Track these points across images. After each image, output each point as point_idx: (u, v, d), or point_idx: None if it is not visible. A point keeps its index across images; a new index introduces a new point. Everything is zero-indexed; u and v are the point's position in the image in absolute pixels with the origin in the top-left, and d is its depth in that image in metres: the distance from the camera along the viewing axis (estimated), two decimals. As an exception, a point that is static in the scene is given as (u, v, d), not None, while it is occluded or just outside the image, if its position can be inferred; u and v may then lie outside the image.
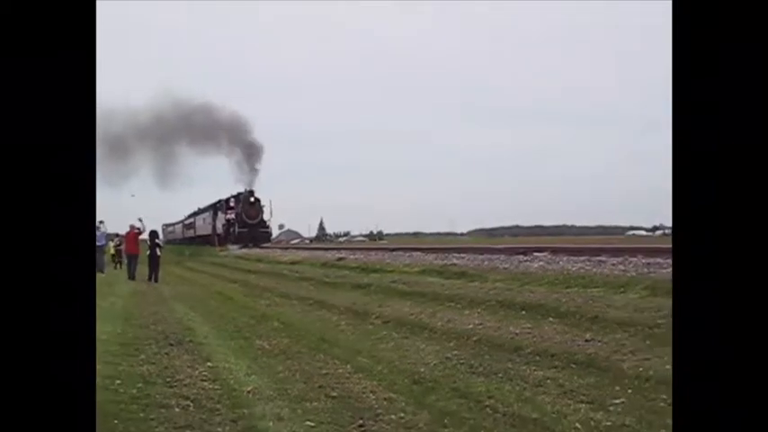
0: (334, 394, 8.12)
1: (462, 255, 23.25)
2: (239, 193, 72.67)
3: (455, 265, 19.59)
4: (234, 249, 60.78)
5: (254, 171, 76.69)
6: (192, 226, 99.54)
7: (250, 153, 77.49)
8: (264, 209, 71.37)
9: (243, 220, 69.31)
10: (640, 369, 7.89)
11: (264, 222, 71.13)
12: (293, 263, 31.34)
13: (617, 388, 7.49)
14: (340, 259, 28.19)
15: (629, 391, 7.36)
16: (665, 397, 7.00)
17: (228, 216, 71.60)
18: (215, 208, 79.73)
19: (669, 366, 7.80)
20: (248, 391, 8.30)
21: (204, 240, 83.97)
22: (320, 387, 8.49)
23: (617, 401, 7.10)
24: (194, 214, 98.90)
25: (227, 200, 73.33)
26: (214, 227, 79.16)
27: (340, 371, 9.41)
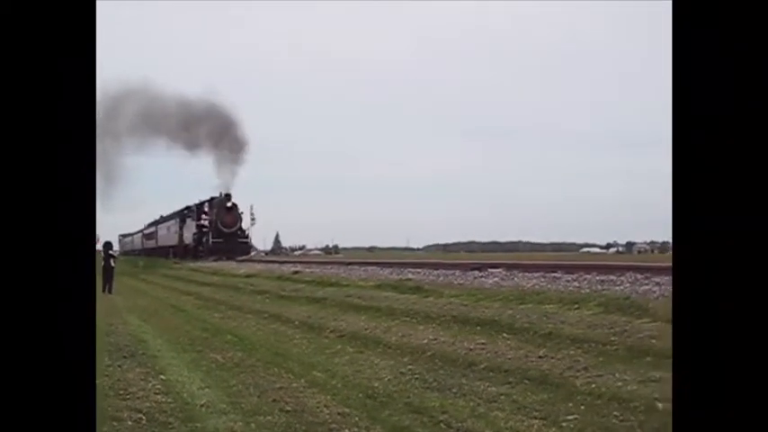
0: (288, 408, 8.09)
1: (418, 270, 23.31)
2: (212, 198, 62.96)
3: (410, 279, 19.62)
4: (209, 261, 52.36)
5: (232, 172, 65.33)
6: (153, 236, 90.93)
7: (230, 150, 65.68)
8: (243, 216, 61.61)
9: (218, 228, 59.74)
10: (593, 385, 7.94)
11: (243, 231, 61.53)
12: (248, 276, 31.20)
13: (570, 404, 7.53)
14: (296, 273, 28.13)
15: (582, 407, 7.40)
16: (617, 414, 7.05)
17: (201, 222, 62.05)
18: (182, 215, 70.31)
19: (621, 383, 7.87)
20: (201, 405, 8.25)
21: (168, 252, 75.51)
22: (274, 401, 8.45)
23: (570, 417, 7.12)
24: (156, 223, 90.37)
25: (201, 204, 63.55)
26: (181, 236, 70.22)
27: (294, 385, 9.37)
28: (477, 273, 19.87)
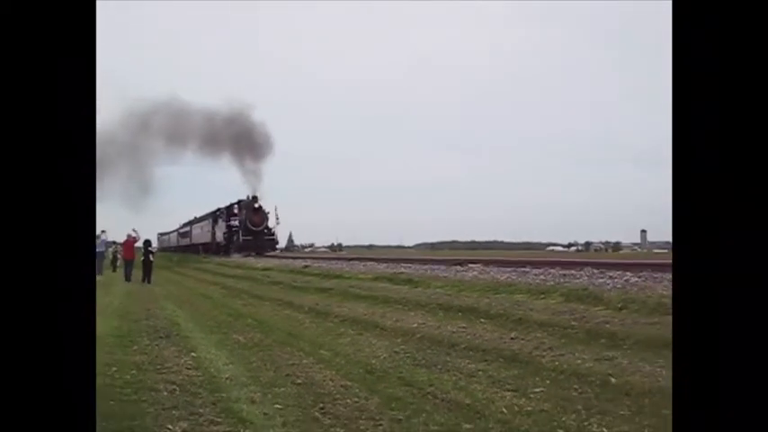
0: (299, 381, 8.07)
1: (409, 264, 23.26)
2: (240, 201, 60.08)
3: (403, 273, 19.58)
4: (237, 257, 49.36)
5: (257, 176, 63.09)
6: (187, 234, 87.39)
7: (256, 156, 63.67)
8: (269, 216, 58.53)
9: (247, 227, 57.17)
10: (557, 363, 7.94)
11: (270, 230, 58.57)
12: (266, 269, 31.11)
13: (537, 379, 7.52)
14: (306, 267, 28.04)
15: (548, 381, 7.40)
16: (576, 387, 7.05)
17: (231, 222, 59.21)
18: (214, 216, 67.13)
19: (580, 361, 7.87)
20: (226, 378, 8.25)
21: (202, 249, 72.96)
22: (287, 375, 8.44)
23: (537, 390, 7.12)
24: (190, 223, 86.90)
25: (231, 206, 60.52)
26: (213, 234, 67.17)
27: (304, 361, 9.35)
28: (459, 267, 19.82)
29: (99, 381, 6.25)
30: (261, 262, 38.55)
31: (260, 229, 57.45)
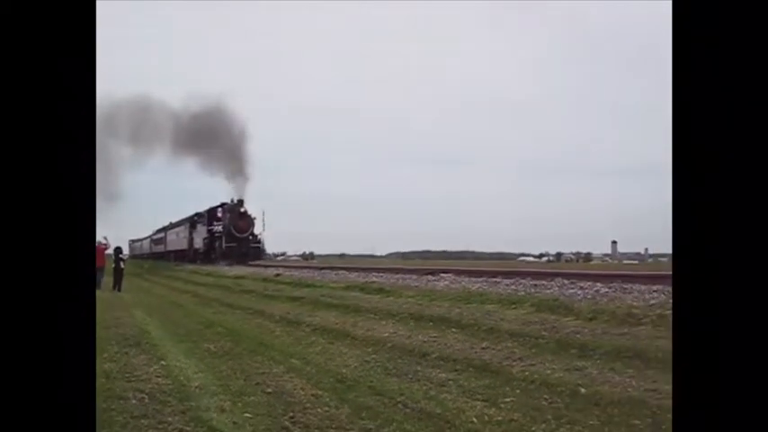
0: (270, 390, 8.03)
1: (380, 274, 23.30)
2: (223, 204, 56.05)
3: (374, 282, 19.59)
4: (222, 266, 45.83)
5: (243, 178, 57.88)
6: (161, 241, 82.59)
7: (241, 159, 58.58)
8: (255, 221, 54.65)
9: (231, 233, 53.31)
10: (527, 373, 7.95)
11: (255, 236, 54.72)
12: (237, 277, 30.99)
13: (507, 389, 7.52)
14: (277, 275, 28.01)
15: (518, 391, 7.40)
16: (546, 397, 7.06)
17: (214, 228, 55.24)
18: (192, 221, 62.91)
19: (550, 371, 7.88)
20: (196, 387, 8.18)
21: (174, 257, 69.36)
22: (257, 384, 8.39)
23: (507, 400, 7.12)
24: (165, 229, 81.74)
25: (213, 209, 56.37)
26: (191, 241, 62.89)
27: (275, 370, 9.30)
28: (430, 277, 19.87)
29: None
30: (233, 270, 38.41)
31: (245, 235, 53.97)
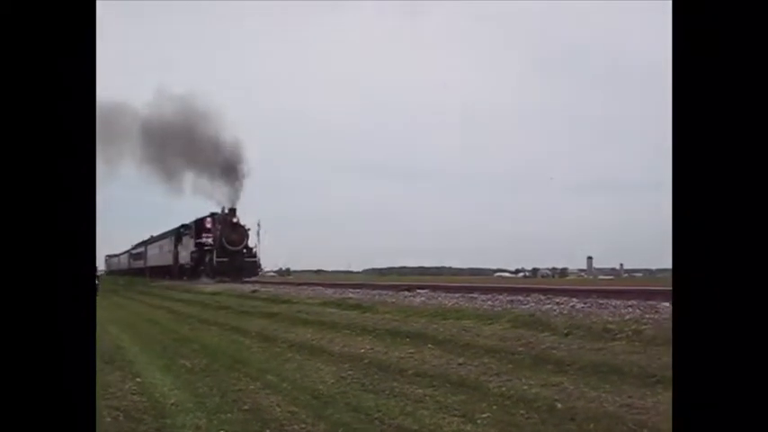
0: (246, 407, 7.98)
1: (357, 290, 23.26)
2: (213, 214, 51.03)
3: (351, 298, 19.56)
4: (209, 283, 41.84)
5: (236, 184, 51.79)
6: (141, 256, 77.50)
7: (230, 163, 52.31)
8: (249, 233, 50.00)
9: (223, 245, 48.44)
10: (503, 389, 7.95)
11: (250, 249, 49.75)
12: (214, 293, 30.87)
13: (484, 404, 7.52)
14: (254, 291, 27.92)
15: (494, 407, 7.40)
16: (523, 412, 7.06)
17: (203, 240, 49.93)
18: (178, 233, 57.81)
19: (526, 387, 7.88)
20: (171, 404, 8.12)
21: (157, 272, 62.86)
22: (234, 401, 8.34)
23: (484, 416, 7.11)
24: (145, 243, 76.86)
25: (202, 220, 51.01)
26: (176, 255, 58.06)
27: (251, 387, 9.25)
28: (407, 293, 19.85)
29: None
30: (210, 286, 38.22)
31: (238, 248, 48.90)
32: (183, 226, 57.04)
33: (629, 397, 6.86)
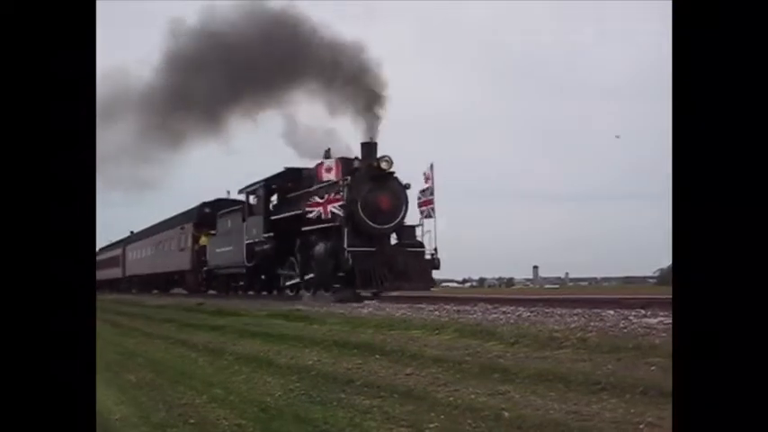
0: (192, 421, 7.90)
1: (305, 302, 23.15)
2: (343, 158, 22.45)
3: (299, 310, 19.42)
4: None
5: (373, 116, 22.18)
6: (116, 261, 54.08)
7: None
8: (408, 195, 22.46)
9: (362, 221, 21.60)
10: (451, 398, 7.96)
11: (413, 231, 22.74)
12: (159, 307, 30.49)
13: (432, 414, 7.52)
14: (200, 304, 27.61)
15: (442, 416, 7.40)
16: (470, 422, 7.08)
17: (332, 210, 21.25)
18: (208, 215, 34.66)
19: (474, 396, 7.90)
20: (116, 419, 8.02)
21: (145, 282, 45.90)
22: (180, 415, 8.25)
23: (432, 426, 7.12)
24: (126, 241, 53.85)
25: (320, 165, 22.36)
26: (198, 255, 35.44)
27: (197, 401, 9.16)
28: (354, 304, 19.80)
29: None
30: (154, 300, 37.74)
31: (391, 225, 22.43)
32: (256, 183, 27.67)
33: (575, 404, 6.91)
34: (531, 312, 13.16)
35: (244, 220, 28.35)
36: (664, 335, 8.41)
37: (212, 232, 33.38)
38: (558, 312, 12.61)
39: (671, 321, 9.49)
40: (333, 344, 12.79)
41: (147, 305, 34.02)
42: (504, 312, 13.67)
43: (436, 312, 15.09)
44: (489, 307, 15.15)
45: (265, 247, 26.22)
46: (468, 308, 15.38)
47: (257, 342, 14.94)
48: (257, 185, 27.30)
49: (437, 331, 12.11)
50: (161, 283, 44.51)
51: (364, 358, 11.09)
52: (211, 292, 35.65)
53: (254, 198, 27.77)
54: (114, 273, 54.90)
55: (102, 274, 53.69)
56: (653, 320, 9.91)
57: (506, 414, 7.07)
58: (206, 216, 35.47)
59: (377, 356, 11.05)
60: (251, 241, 27.48)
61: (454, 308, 15.77)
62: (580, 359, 8.34)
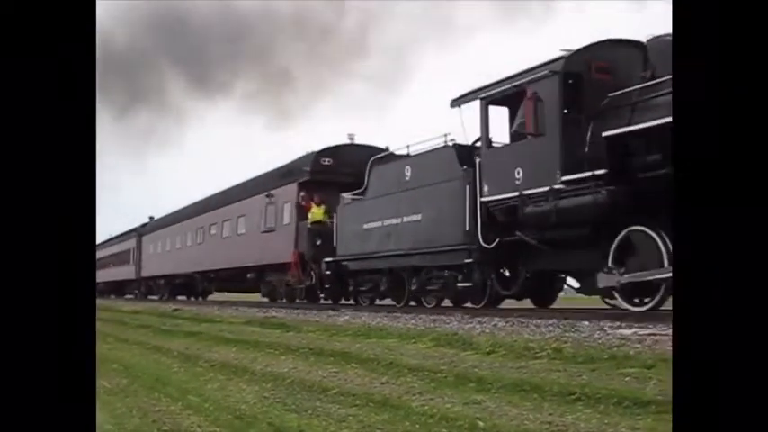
0: (167, 428, 7.85)
1: (281, 309, 23.17)
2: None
3: (275, 317, 19.42)
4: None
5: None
6: (125, 259, 45.03)
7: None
8: None
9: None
10: (426, 407, 7.96)
11: None
12: (134, 312, 30.32)
13: (407, 423, 7.51)
14: (176, 310, 27.51)
15: (417, 425, 7.40)
16: (445, 431, 7.08)
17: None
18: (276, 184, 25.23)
19: (449, 405, 7.92)
20: (89, 426, 7.95)
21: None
22: (154, 422, 8.19)
23: (407, 434, 7.13)
24: (140, 231, 43.37)
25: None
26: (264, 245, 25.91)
27: (172, 407, 9.11)
28: (331, 312, 19.83)
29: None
30: (129, 305, 37.52)
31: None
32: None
33: (550, 414, 6.94)
34: (507, 322, 13.23)
35: (474, 157, 15.53)
36: (638, 346, 8.48)
37: (350, 197, 20.37)
38: (534, 322, 12.69)
39: (645, 333, 9.58)
40: (309, 351, 12.76)
41: (119, 310, 33.80)
42: (479, 322, 13.74)
43: (413, 321, 15.14)
44: (466, 316, 15.24)
45: (571, 201, 12.99)
46: (444, 317, 15.48)
47: (233, 349, 14.87)
48: (539, 72, 13.39)
49: (413, 340, 12.13)
50: (210, 284, 33.32)
51: (340, 366, 11.07)
52: (345, 301, 23.20)
53: (530, 105, 13.22)
54: (122, 273, 44.28)
55: (103, 275, 45.93)
56: (627, 331, 9.99)
57: (481, 424, 7.08)
58: (324, 171, 22.91)
59: (353, 365, 11.04)
60: (505, 196, 14.58)
61: (430, 317, 15.86)
62: (555, 369, 8.38)
